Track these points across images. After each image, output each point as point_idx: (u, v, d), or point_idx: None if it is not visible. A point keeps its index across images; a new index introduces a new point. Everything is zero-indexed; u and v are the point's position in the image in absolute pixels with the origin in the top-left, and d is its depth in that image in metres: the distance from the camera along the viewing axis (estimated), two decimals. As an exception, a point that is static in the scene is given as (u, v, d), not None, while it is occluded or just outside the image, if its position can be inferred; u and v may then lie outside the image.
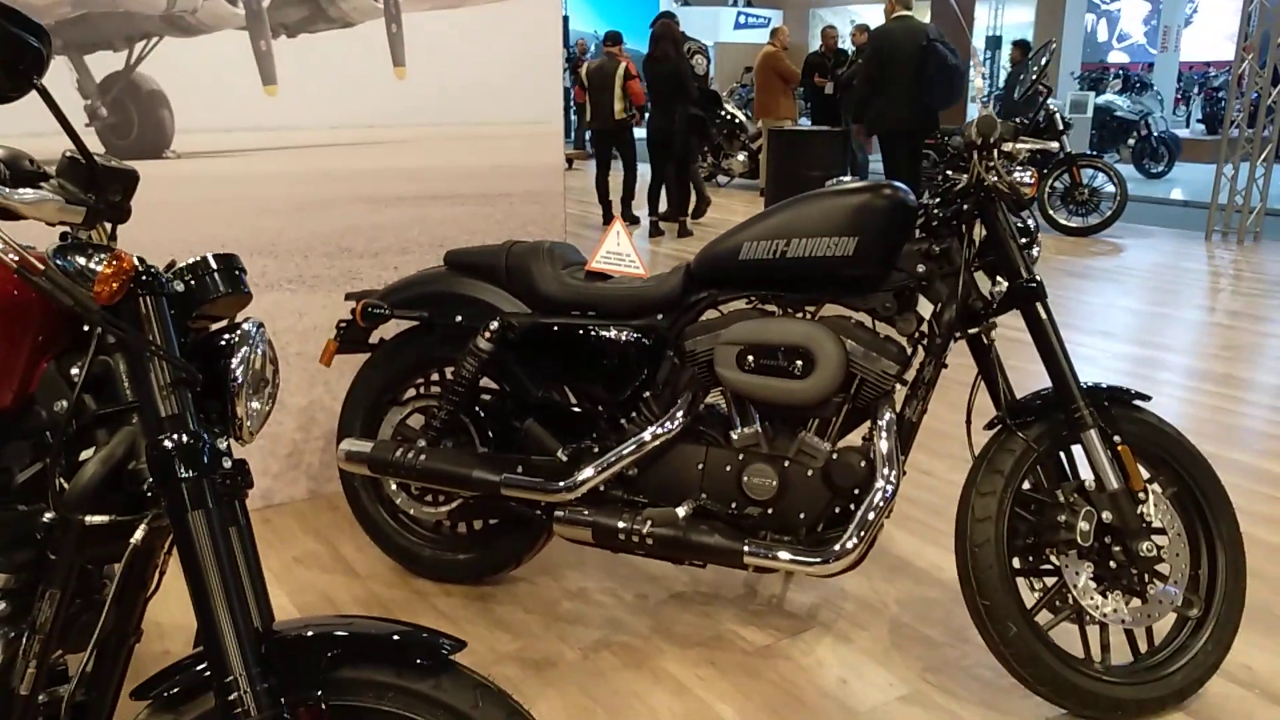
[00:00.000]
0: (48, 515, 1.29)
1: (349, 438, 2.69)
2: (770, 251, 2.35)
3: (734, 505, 2.36)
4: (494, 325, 2.52)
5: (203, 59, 2.96)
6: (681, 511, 2.35)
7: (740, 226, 2.43)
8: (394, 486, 2.76)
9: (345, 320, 2.68)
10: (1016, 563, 2.24)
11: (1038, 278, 2.25)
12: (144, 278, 1.25)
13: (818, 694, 2.31)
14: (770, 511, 2.34)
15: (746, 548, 2.29)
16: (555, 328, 2.54)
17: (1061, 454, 2.30)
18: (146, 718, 1.23)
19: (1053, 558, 2.24)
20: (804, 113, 13.20)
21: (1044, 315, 2.25)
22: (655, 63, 8.72)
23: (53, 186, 1.25)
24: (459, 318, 2.61)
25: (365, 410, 2.78)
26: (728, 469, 2.37)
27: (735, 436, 2.40)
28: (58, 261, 1.22)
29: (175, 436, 1.20)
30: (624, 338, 2.50)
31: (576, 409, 2.59)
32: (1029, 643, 2.16)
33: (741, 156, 12.16)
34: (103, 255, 1.22)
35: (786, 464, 2.33)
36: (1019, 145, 2.32)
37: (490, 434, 2.68)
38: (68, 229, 1.29)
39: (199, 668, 1.21)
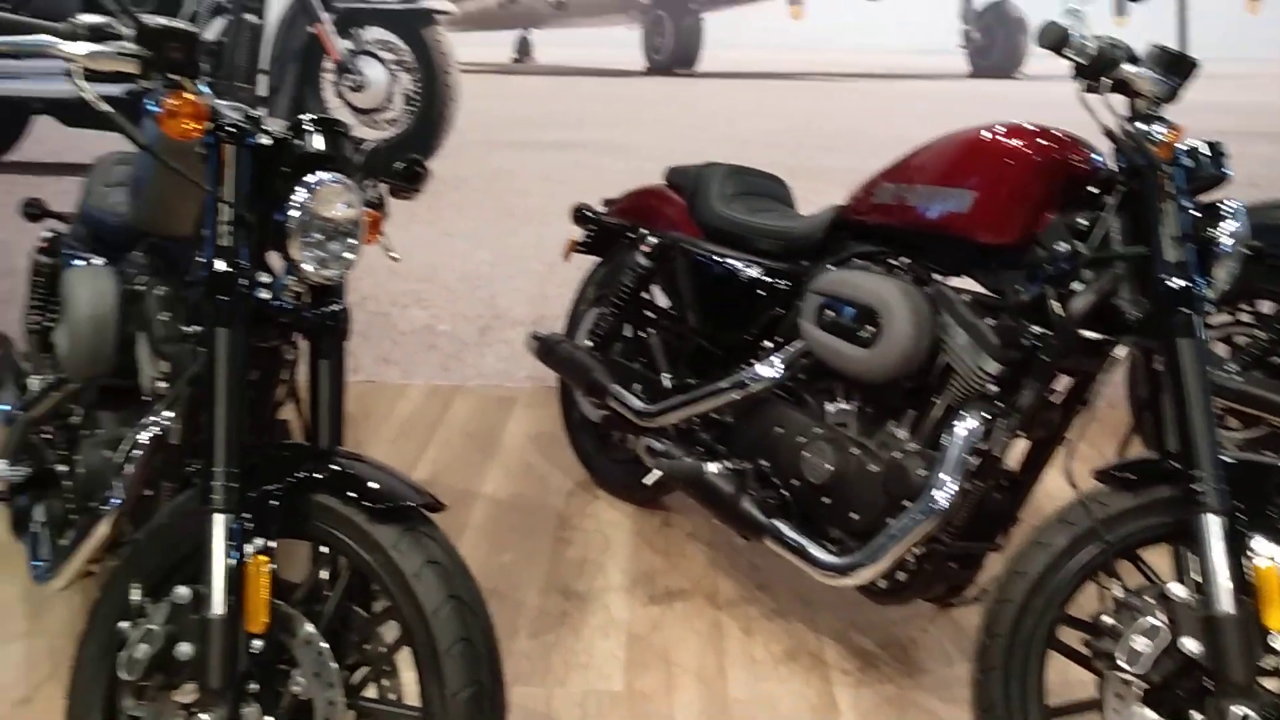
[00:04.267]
0: (1036, 328, 1.69)
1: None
2: None
3: None
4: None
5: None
6: None
7: None
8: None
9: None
10: None
11: None
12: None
13: None
14: None
15: None
16: None
17: None
18: (1107, 494, 1.56)
19: None
20: None
21: None
22: None
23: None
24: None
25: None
26: None
27: None
28: (1140, 127, 1.56)
29: (1177, 280, 1.50)
30: None
31: None
32: None
33: None
34: (1165, 124, 1.55)
35: None
36: None
37: None
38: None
39: (1155, 463, 1.52)
